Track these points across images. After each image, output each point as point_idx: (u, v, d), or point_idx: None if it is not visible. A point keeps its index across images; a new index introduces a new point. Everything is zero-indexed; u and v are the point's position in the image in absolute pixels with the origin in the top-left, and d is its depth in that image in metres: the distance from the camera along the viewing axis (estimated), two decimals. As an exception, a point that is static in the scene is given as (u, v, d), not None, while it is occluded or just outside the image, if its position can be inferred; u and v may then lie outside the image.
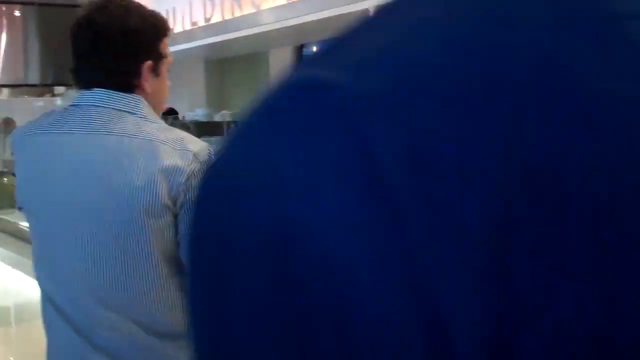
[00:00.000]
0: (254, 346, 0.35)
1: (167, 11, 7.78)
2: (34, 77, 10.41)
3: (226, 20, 6.81)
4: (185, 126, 7.52)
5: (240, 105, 10.42)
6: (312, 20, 5.89)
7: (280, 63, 10.36)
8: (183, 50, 7.22)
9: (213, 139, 7.51)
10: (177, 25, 7.42)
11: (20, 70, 10.37)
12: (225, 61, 10.01)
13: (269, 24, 6.27)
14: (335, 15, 5.60)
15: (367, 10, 5.25)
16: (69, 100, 2.98)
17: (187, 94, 9.17)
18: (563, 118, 0.35)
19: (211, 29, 7.08)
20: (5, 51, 10.61)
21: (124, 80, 1.78)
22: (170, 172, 1.65)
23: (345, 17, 5.49)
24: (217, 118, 8.47)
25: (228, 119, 8.32)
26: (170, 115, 8.24)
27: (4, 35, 10.67)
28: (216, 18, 6.97)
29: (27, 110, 8.92)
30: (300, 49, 11.41)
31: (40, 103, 9.30)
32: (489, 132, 0.34)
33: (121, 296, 1.69)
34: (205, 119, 8.57)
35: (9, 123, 8.91)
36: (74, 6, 10.67)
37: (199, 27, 7.30)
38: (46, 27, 10.59)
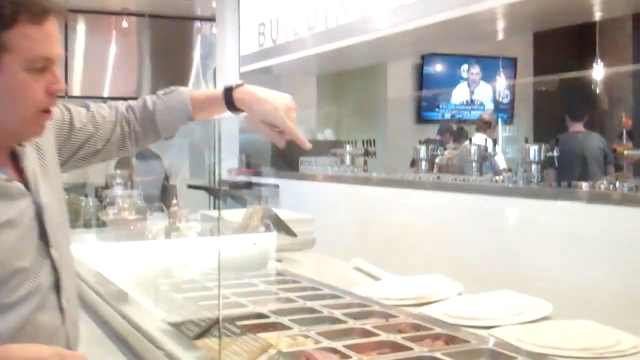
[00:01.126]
0: None
1: (271, 20, 7.85)
2: (146, 91, 10.47)
3: (334, 27, 6.44)
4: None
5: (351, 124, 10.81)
6: (433, 23, 5.47)
7: (398, 79, 10.72)
8: (290, 62, 7.92)
9: (313, 158, 7.81)
10: (281, 35, 7.41)
11: (132, 84, 11.19)
12: (338, 76, 9.78)
13: (383, 30, 5.94)
14: (459, 16, 5.28)
15: (493, 10, 5.08)
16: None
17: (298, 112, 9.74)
18: None
19: (319, 36, 6.81)
20: (115, 64, 10.80)
21: None
22: None
23: (468, 19, 5.31)
24: (320, 137, 8.35)
25: (330, 138, 8.15)
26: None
27: (113, 47, 10.80)
28: (322, 26, 6.64)
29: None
30: (421, 66, 11.82)
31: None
32: None
33: None
34: (307, 137, 8.78)
35: None
36: (187, 18, 11.39)
37: (306, 36, 7.07)
38: (157, 39, 10.69)
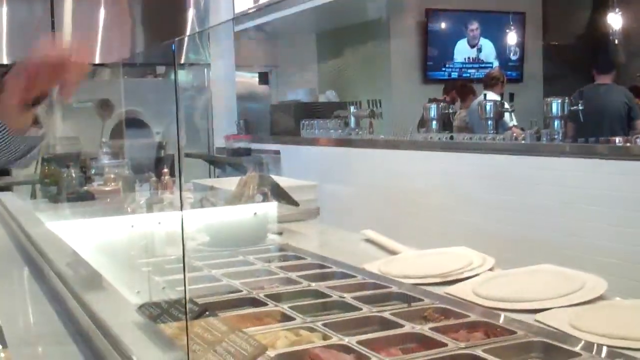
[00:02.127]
0: None
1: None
2: (136, 56, 9.80)
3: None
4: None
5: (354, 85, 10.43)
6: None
7: (402, 37, 10.33)
8: (288, 17, 7.45)
9: (315, 122, 7.73)
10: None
11: (124, 48, 10.73)
12: (339, 34, 9.31)
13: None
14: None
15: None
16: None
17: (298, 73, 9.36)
18: None
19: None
20: (104, 28, 10.15)
21: None
22: None
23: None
24: (322, 99, 7.90)
25: (334, 99, 7.76)
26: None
27: (102, 10, 10.15)
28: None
29: (132, 91, 9.38)
30: (425, 23, 11.38)
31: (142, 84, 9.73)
32: None
33: None
34: (308, 100, 7.99)
35: (106, 105, 9.14)
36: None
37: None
38: (149, 0, 10.19)
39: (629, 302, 2.05)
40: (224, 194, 3.64)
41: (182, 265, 2.60)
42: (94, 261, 2.69)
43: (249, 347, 1.52)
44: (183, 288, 2.15)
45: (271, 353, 1.55)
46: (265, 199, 3.32)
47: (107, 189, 4.29)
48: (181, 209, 1.84)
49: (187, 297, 1.78)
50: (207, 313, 1.78)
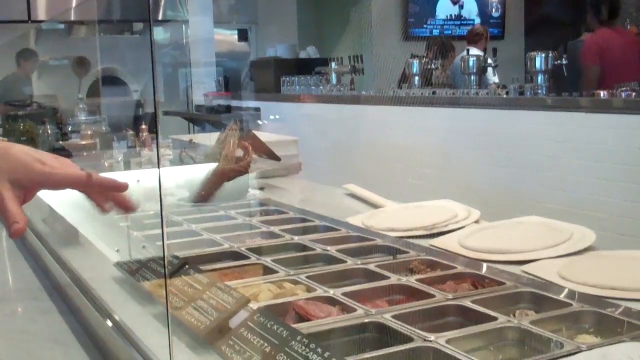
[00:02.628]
0: None
1: None
2: (114, 13, 10.35)
3: None
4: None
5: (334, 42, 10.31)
6: None
7: None
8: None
9: (295, 78, 7.52)
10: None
11: (101, 7, 10.47)
12: None
13: None
14: None
15: None
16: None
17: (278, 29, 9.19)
18: None
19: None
20: None
21: None
22: None
23: None
24: (303, 55, 7.71)
25: (314, 55, 7.59)
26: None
27: None
28: None
29: (108, 48, 9.19)
30: None
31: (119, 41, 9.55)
32: None
33: None
34: (288, 56, 7.81)
35: (82, 62, 8.94)
36: None
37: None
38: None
39: (617, 253, 2.02)
40: (204, 149, 3.57)
41: (159, 220, 2.55)
42: (71, 218, 2.63)
43: (231, 300, 1.47)
44: (162, 243, 2.10)
45: (254, 306, 1.50)
46: (246, 152, 3.25)
47: (82, 142, 4.20)
48: (158, 167, 1.75)
49: (166, 252, 1.72)
50: (186, 267, 1.73)
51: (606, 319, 1.49)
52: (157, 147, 2.84)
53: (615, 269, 1.83)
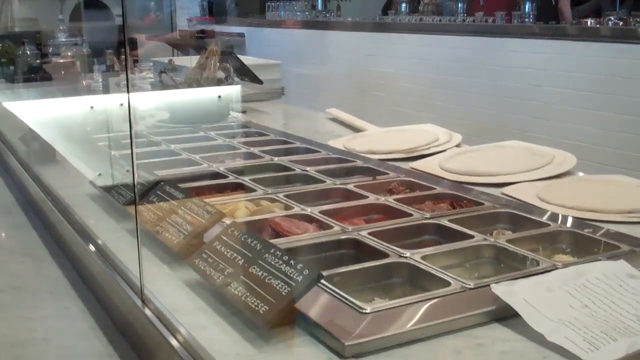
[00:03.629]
0: None
1: None
2: None
3: None
4: None
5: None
6: None
7: None
8: None
9: (281, 3, 7.27)
10: None
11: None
12: None
13: None
14: None
15: None
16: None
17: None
18: None
19: None
20: None
21: None
22: None
23: None
24: None
25: None
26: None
27: None
28: None
29: None
30: None
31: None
32: None
33: None
34: None
35: None
36: None
37: None
38: None
39: (596, 177, 2.01)
40: (184, 70, 3.51)
41: (139, 140, 2.52)
42: (48, 137, 2.60)
43: (206, 214, 1.46)
44: (140, 161, 2.08)
45: (228, 221, 1.48)
46: (227, 75, 3.21)
47: (61, 61, 4.11)
48: (127, 92, 1.69)
49: (136, 170, 1.69)
50: (162, 183, 1.71)
51: (583, 239, 1.49)
52: (127, 71, 2.76)
53: (593, 192, 1.83)
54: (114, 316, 1.34)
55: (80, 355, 1.24)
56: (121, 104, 3.40)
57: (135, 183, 1.56)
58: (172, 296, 1.24)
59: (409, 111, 4.64)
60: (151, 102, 3.26)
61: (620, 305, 1.15)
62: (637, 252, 1.38)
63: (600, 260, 1.33)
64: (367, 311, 1.11)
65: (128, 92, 1.53)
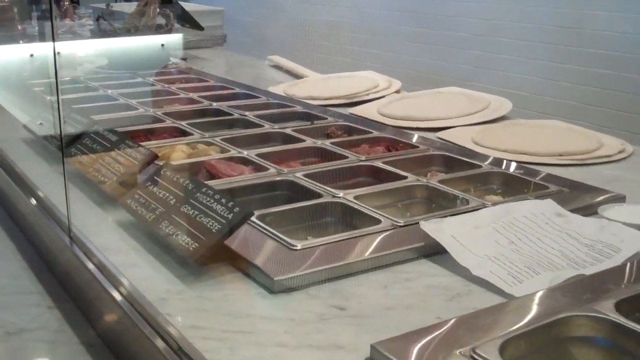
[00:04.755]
0: None
1: None
2: None
3: None
4: None
5: None
6: None
7: None
8: None
9: None
10: None
11: None
12: None
13: None
14: None
15: None
16: None
17: None
18: None
19: None
20: None
21: None
22: None
23: None
24: None
25: None
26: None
27: None
28: None
29: None
30: None
31: None
32: None
33: None
34: None
35: None
36: None
37: None
38: None
39: (530, 122, 2.05)
40: (123, 16, 3.44)
41: (76, 85, 2.47)
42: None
43: (139, 156, 1.45)
44: (76, 106, 2.04)
45: (160, 163, 1.47)
46: (167, 21, 3.15)
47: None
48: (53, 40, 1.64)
49: (62, 111, 1.66)
50: (96, 127, 1.68)
51: (513, 180, 1.52)
52: (52, 19, 2.70)
53: (526, 136, 1.86)
54: (43, 255, 1.33)
55: (11, 294, 1.23)
56: (58, 53, 3.31)
57: (62, 122, 1.53)
58: (104, 236, 1.23)
59: (350, 59, 4.63)
60: (90, 49, 3.20)
61: (546, 242, 1.18)
62: (565, 192, 1.42)
63: (528, 199, 1.36)
64: (297, 248, 1.12)
65: (53, 40, 1.49)
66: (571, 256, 1.13)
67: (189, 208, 1.17)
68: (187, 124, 1.93)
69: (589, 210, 1.32)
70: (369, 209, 1.29)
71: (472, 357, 0.81)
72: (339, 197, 1.35)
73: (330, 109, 2.20)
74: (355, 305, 0.99)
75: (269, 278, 1.03)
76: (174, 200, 1.22)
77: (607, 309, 0.91)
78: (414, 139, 1.81)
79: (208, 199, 1.17)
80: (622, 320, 0.89)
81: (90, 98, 2.28)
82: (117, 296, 1.04)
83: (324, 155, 1.69)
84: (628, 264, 1.09)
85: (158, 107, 2.15)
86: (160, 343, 0.92)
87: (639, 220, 1.26)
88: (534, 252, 1.14)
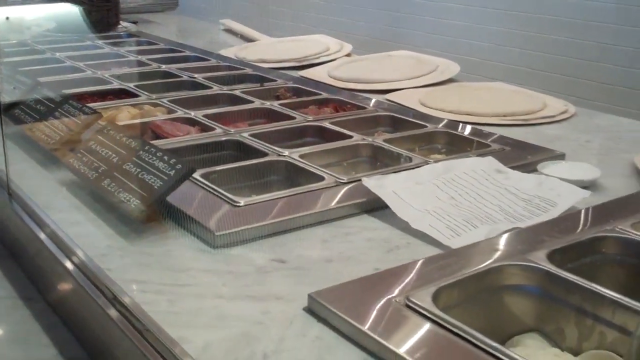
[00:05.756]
0: None
1: None
2: None
3: None
4: None
5: None
6: None
7: None
8: None
9: None
10: None
11: None
12: None
13: None
14: None
15: None
16: None
17: None
18: None
19: None
20: None
21: None
22: None
23: None
24: None
25: None
26: None
27: None
28: None
29: None
30: None
31: None
32: None
33: None
34: None
35: None
36: None
37: None
38: None
39: (476, 84, 2.07)
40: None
41: (22, 48, 2.43)
42: None
43: (82, 116, 1.43)
44: (22, 69, 2.01)
45: (103, 123, 1.46)
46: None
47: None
48: None
49: (12, 74, 1.64)
50: (40, 87, 1.66)
51: (457, 139, 1.54)
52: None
53: (472, 97, 1.88)
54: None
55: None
56: (7, 17, 3.26)
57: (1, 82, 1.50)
58: (46, 195, 1.23)
59: (307, 26, 4.62)
60: (40, 13, 3.14)
61: (485, 197, 1.20)
62: (506, 150, 1.44)
63: (470, 157, 1.38)
64: (240, 204, 1.12)
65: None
66: (509, 210, 1.15)
67: (131, 166, 1.17)
68: (135, 86, 1.91)
69: (529, 168, 1.35)
70: (313, 167, 1.30)
71: (406, 304, 0.83)
72: (284, 156, 1.36)
73: (281, 71, 2.20)
74: (295, 259, 1.00)
75: (210, 233, 1.04)
76: (117, 158, 1.21)
77: (539, 258, 0.94)
78: (362, 100, 1.82)
79: (150, 156, 1.17)
80: (552, 269, 0.92)
81: (37, 61, 2.25)
82: (57, 252, 1.04)
83: (272, 116, 1.69)
84: (562, 217, 1.12)
85: (105, 70, 2.13)
86: (100, 298, 0.93)
87: (576, 176, 1.29)
88: (473, 207, 1.16)
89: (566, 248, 0.99)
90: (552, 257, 0.95)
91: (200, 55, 2.37)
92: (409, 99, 1.85)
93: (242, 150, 1.45)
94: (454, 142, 1.54)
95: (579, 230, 1.06)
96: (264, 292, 0.91)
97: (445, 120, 1.64)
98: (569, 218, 1.12)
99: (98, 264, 0.98)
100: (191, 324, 0.83)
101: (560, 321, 0.91)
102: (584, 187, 1.24)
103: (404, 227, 1.09)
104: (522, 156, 1.41)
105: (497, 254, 0.97)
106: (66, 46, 2.50)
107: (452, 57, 2.30)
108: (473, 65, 3.79)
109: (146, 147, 1.20)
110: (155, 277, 0.95)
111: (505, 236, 1.05)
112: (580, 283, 0.88)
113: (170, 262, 0.99)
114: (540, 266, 0.92)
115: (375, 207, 1.16)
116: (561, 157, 1.43)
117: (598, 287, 0.87)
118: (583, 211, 1.15)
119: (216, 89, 1.92)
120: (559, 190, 1.22)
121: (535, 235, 1.04)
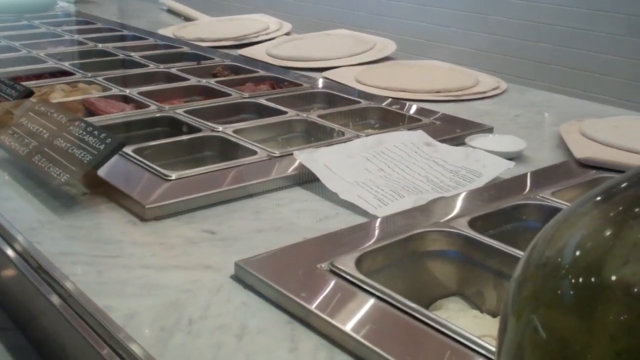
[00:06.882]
0: None
1: None
2: None
3: None
4: None
5: None
6: None
7: None
8: None
9: None
10: None
11: None
12: None
13: None
14: None
15: None
16: None
17: None
18: None
19: None
20: None
21: None
22: None
23: None
24: None
25: None
26: None
27: None
28: None
29: None
30: None
31: None
32: None
33: None
34: None
35: None
36: None
37: None
38: None
39: (411, 62, 2.10)
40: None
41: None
42: None
43: (13, 92, 1.42)
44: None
45: (34, 100, 1.45)
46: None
47: None
48: None
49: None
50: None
51: (389, 115, 1.57)
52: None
53: (407, 75, 1.91)
54: None
55: None
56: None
57: None
58: (-24, 172, 1.22)
59: (249, 7, 4.60)
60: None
61: (413, 169, 1.23)
62: (436, 124, 1.48)
63: (401, 130, 1.41)
64: (171, 178, 1.13)
65: None
66: (436, 181, 1.19)
67: (62, 141, 1.17)
68: (70, 64, 1.90)
69: (458, 141, 1.38)
70: (247, 142, 1.31)
71: (330, 270, 0.86)
72: (218, 131, 1.37)
73: (219, 50, 2.20)
74: (225, 230, 1.02)
75: (140, 206, 1.04)
76: (48, 134, 1.21)
77: (461, 225, 0.97)
78: (299, 78, 1.84)
79: (81, 131, 1.17)
80: (473, 234, 0.95)
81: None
82: (-13, 228, 1.04)
83: (208, 93, 1.70)
84: (486, 187, 1.16)
85: (41, 49, 2.10)
86: (28, 271, 0.93)
87: (502, 148, 1.33)
88: (401, 178, 1.19)
89: (488, 215, 1.03)
90: (473, 223, 0.98)
91: (139, 35, 2.36)
92: (345, 77, 1.88)
93: (177, 126, 1.45)
94: (386, 118, 1.56)
95: (501, 198, 1.10)
96: (193, 262, 0.92)
97: (379, 97, 1.66)
98: (493, 187, 1.16)
99: (27, 237, 0.98)
100: (119, 293, 0.84)
101: (480, 284, 0.95)
102: (510, 159, 1.28)
103: (334, 198, 1.12)
104: (452, 130, 1.44)
105: (421, 221, 1.00)
106: (2, 26, 2.45)
107: (394, 38, 2.33)
108: (414, 45, 3.83)
109: (76, 123, 1.20)
110: (85, 249, 0.95)
111: (429, 204, 1.08)
112: (499, 247, 0.92)
113: (100, 235, 1.00)
114: (461, 232, 0.95)
115: (308, 179, 1.18)
116: (489, 130, 1.47)
117: (515, 250, 0.91)
118: (506, 181, 1.19)
119: (152, 67, 1.91)
120: (484, 161, 1.26)
121: (459, 203, 1.08)
